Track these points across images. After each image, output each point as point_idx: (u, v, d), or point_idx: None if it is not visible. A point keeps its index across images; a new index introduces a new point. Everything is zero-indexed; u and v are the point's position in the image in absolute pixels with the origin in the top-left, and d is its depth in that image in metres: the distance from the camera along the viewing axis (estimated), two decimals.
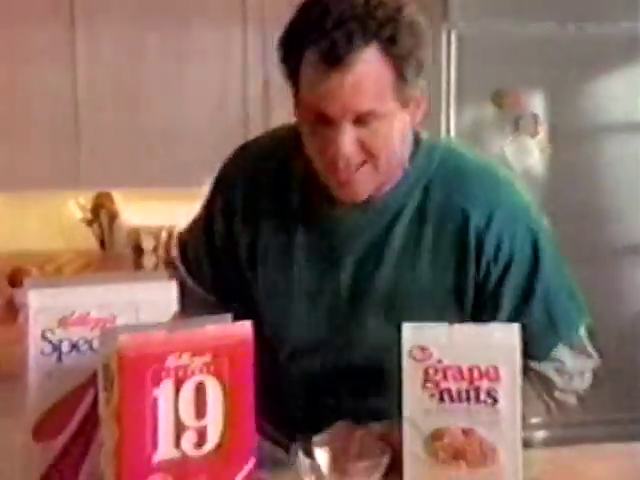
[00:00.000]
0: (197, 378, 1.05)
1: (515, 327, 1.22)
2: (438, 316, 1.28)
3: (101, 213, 2.85)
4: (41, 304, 1.11)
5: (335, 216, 1.40)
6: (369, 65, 1.22)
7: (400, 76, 1.25)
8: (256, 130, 2.62)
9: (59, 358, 1.12)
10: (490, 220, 1.37)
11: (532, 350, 1.32)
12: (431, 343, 1.22)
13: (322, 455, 1.23)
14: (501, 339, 1.22)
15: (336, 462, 1.22)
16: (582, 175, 2.79)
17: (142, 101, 2.67)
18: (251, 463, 1.09)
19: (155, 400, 1.02)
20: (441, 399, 1.22)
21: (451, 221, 1.37)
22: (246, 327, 1.09)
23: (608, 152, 2.80)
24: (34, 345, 1.12)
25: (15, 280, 2.75)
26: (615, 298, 2.86)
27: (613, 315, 2.86)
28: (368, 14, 1.21)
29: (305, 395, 1.48)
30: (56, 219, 2.91)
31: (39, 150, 2.62)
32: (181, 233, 1.64)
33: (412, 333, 1.23)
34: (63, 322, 1.11)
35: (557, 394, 1.45)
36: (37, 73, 2.60)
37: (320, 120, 1.26)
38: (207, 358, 1.05)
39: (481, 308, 1.40)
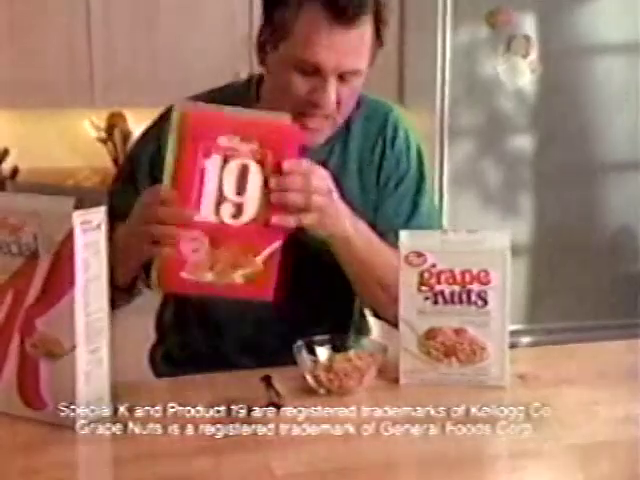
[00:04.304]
0: (243, 160, 1.10)
1: (506, 233, 1.21)
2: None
3: (114, 132, 2.81)
4: None
5: None
6: (367, 29, 1.25)
7: (378, 40, 1.28)
8: None
9: None
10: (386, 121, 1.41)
11: None
12: (426, 249, 1.21)
13: (323, 353, 1.23)
14: (492, 245, 1.21)
15: (336, 359, 1.20)
16: (571, 95, 2.74)
17: (154, 24, 2.62)
18: (279, 242, 1.12)
19: (203, 169, 1.09)
20: (435, 301, 1.21)
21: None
22: (296, 129, 1.14)
23: (597, 72, 2.75)
24: None
25: None
26: (599, 212, 2.84)
27: (598, 228, 2.84)
28: None
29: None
30: (73, 138, 2.87)
31: (55, 71, 2.56)
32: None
33: (408, 240, 1.22)
34: None
35: None
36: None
37: (302, 71, 1.24)
38: (255, 145, 1.09)
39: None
